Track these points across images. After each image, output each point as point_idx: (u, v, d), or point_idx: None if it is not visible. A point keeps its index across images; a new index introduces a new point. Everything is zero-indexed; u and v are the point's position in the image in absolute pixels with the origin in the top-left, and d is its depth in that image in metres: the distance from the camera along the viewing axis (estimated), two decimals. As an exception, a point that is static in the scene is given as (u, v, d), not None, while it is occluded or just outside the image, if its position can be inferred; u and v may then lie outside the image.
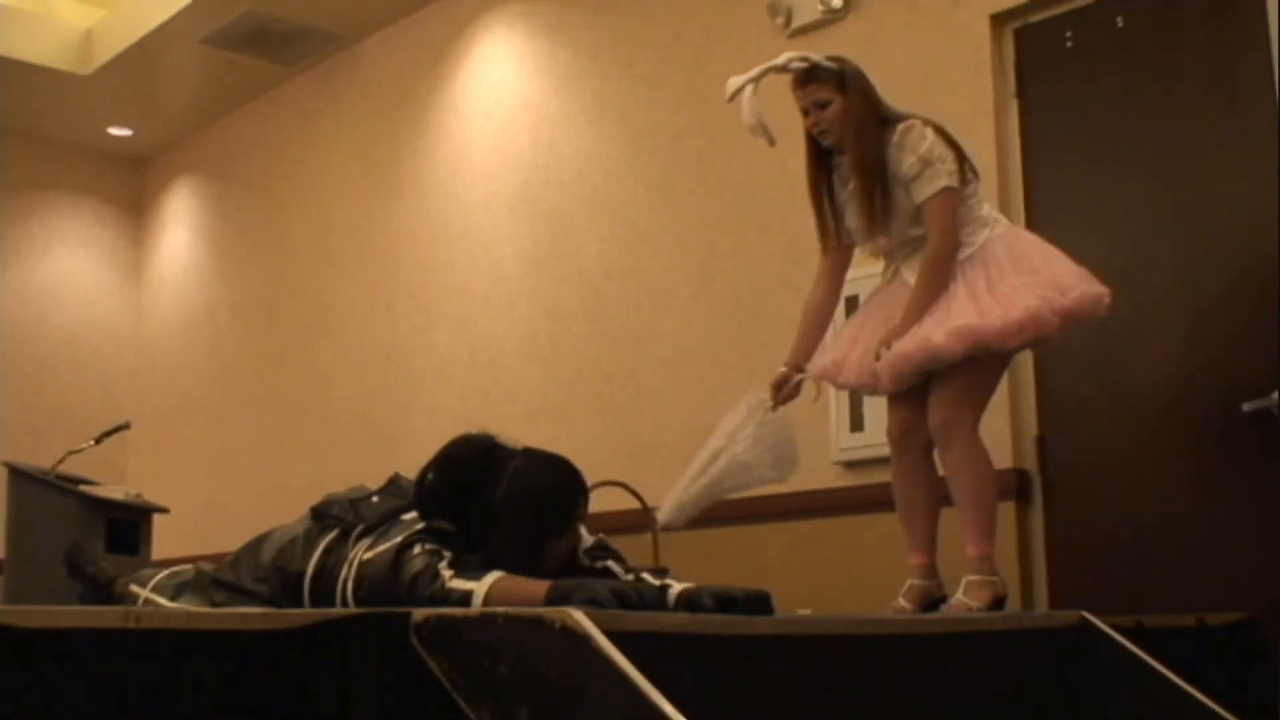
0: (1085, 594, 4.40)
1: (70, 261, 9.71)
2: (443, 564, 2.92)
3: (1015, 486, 4.70)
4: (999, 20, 5.05)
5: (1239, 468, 4.32)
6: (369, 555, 3.15)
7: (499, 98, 7.14)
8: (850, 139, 3.95)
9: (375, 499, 3.40)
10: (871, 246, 4.06)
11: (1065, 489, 4.72)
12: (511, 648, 2.07)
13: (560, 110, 6.77)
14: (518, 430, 6.54)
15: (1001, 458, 4.74)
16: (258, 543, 3.48)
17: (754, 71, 3.98)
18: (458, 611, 2.19)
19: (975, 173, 3.98)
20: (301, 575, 3.27)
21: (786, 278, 5.48)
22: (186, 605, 3.33)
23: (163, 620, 2.03)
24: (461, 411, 7.01)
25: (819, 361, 4.07)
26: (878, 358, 3.80)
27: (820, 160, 4.09)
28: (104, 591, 3.67)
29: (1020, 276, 3.76)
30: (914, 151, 3.85)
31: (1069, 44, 4.89)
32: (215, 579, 3.40)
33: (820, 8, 5.48)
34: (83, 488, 5.01)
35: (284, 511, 8.12)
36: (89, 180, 9.86)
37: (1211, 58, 4.54)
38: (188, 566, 3.50)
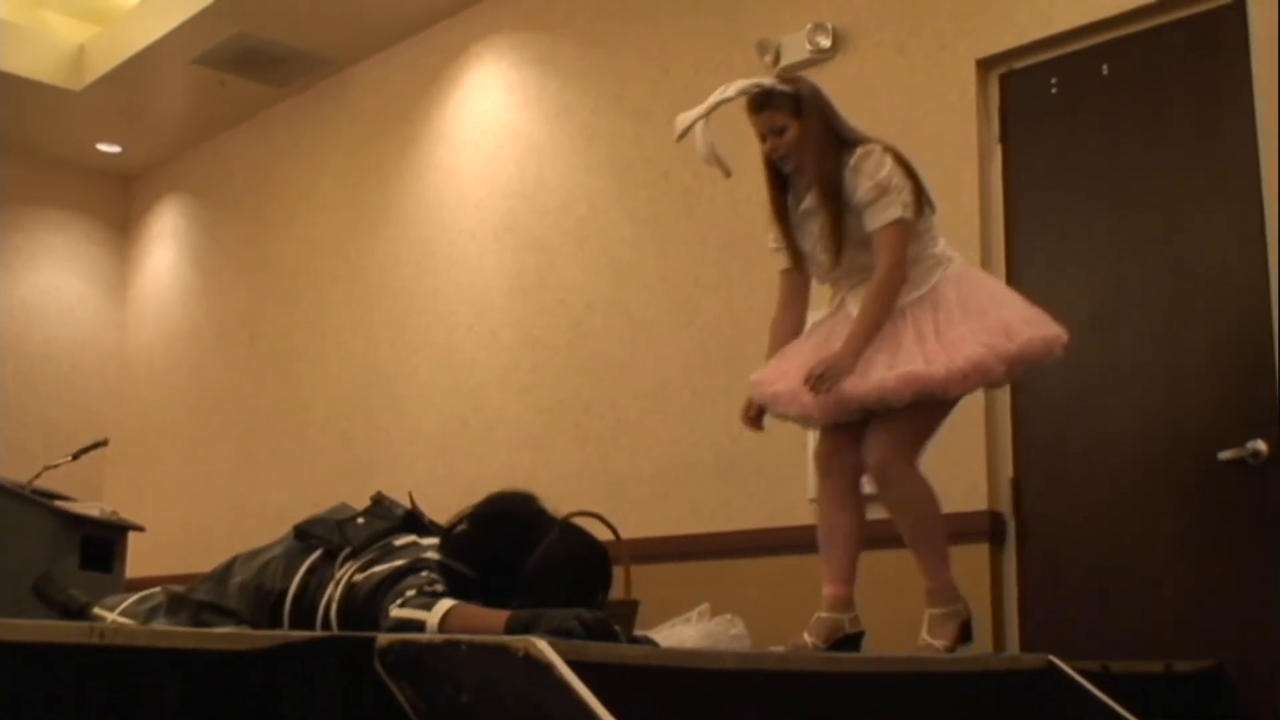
0: (1056, 637, 4.41)
1: (55, 277, 9.70)
2: (409, 585, 2.88)
3: (989, 528, 4.71)
4: (985, 65, 5.08)
5: (1213, 516, 4.34)
6: (360, 577, 3.12)
7: (487, 127, 7.16)
8: (809, 162, 3.87)
9: (361, 520, 3.36)
10: (821, 272, 3.99)
11: (1039, 532, 4.73)
12: (474, 675, 2.07)
13: (548, 141, 6.79)
14: (497, 458, 6.60)
15: (976, 499, 4.76)
16: (238, 561, 3.45)
17: (703, 107, 3.91)
18: (422, 637, 2.19)
19: (932, 205, 3.92)
20: (283, 594, 3.22)
21: (769, 314, 5.48)
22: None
23: (126, 637, 2.03)
24: (441, 438, 7.02)
25: (759, 389, 3.98)
26: (808, 380, 3.71)
27: (780, 183, 4.03)
28: (76, 620, 3.61)
29: (968, 322, 3.70)
30: (870, 177, 3.79)
31: (1054, 90, 4.92)
32: (193, 598, 3.35)
33: (808, 47, 5.52)
34: (58, 503, 4.98)
35: (261, 532, 8.10)
36: (76, 196, 9.87)
37: (1195, 106, 4.58)
38: (155, 590, 3.45)
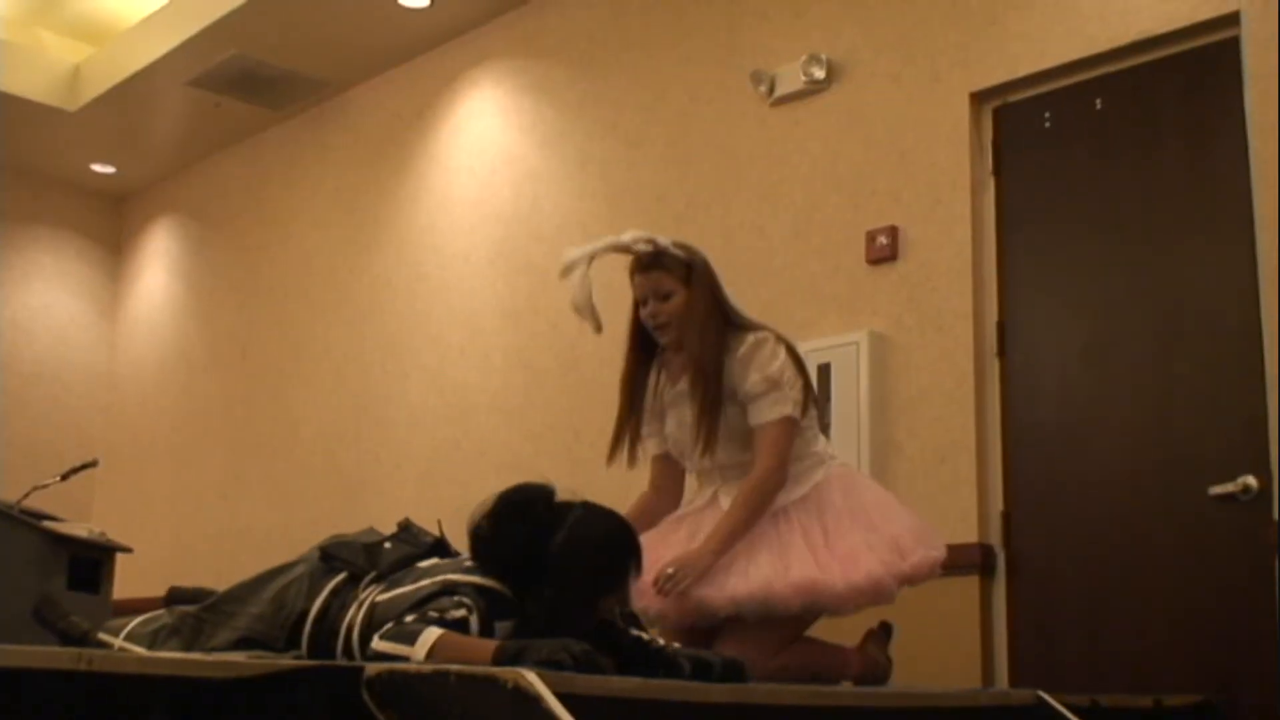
0: (1046, 669, 4.41)
1: (47, 295, 9.70)
2: (411, 615, 2.84)
3: (979, 561, 4.70)
4: (978, 98, 5.10)
5: (1203, 551, 4.33)
6: (384, 599, 3.07)
7: (482, 151, 7.18)
8: (692, 339, 3.59)
9: (388, 545, 3.30)
10: (690, 462, 3.73)
11: (1029, 565, 4.72)
12: (462, 706, 2.06)
13: (542, 166, 6.81)
14: (487, 482, 6.54)
15: (966, 531, 4.76)
16: (257, 579, 3.37)
17: (592, 246, 3.65)
18: (410, 667, 2.17)
19: (817, 403, 3.71)
20: (304, 615, 3.15)
21: (760, 343, 5.50)
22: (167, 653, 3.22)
23: (114, 664, 2.02)
24: (431, 461, 7.01)
25: None
26: (657, 582, 3.39)
27: (643, 352, 3.76)
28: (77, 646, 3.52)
29: (859, 533, 3.49)
30: (761, 369, 3.54)
31: (1047, 124, 4.94)
32: (204, 618, 3.27)
33: (803, 78, 5.53)
34: (46, 523, 4.96)
35: (248, 554, 8.08)
36: (70, 215, 9.87)
37: (1188, 141, 4.59)
38: (161, 612, 3.39)
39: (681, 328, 3.63)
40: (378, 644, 2.72)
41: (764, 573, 3.41)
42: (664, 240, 3.67)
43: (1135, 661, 4.39)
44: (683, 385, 3.66)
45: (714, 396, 3.55)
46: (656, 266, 3.64)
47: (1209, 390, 4.41)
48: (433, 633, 2.71)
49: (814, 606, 3.43)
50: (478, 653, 2.63)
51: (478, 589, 2.95)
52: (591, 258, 3.62)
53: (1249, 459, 4.24)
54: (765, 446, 3.53)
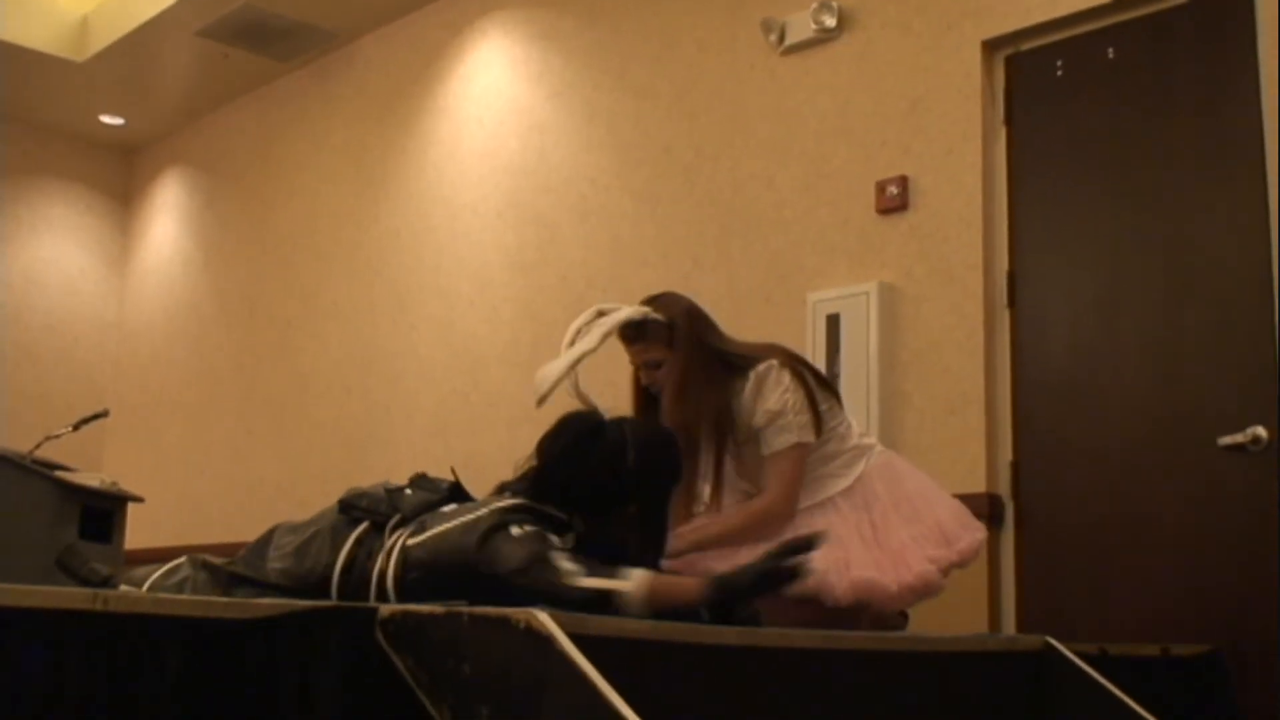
0: (1053, 619, 4.42)
1: (56, 248, 9.71)
2: (555, 553, 2.85)
3: (988, 511, 4.71)
4: (990, 47, 5.07)
5: (1212, 501, 4.34)
6: (414, 542, 3.06)
7: (490, 102, 7.16)
8: (687, 402, 3.58)
9: (409, 491, 3.31)
10: (701, 507, 3.69)
11: (1037, 515, 4.73)
12: (476, 647, 2.08)
13: (550, 118, 6.79)
14: (496, 434, 6.60)
15: (975, 481, 4.76)
16: (276, 533, 3.34)
17: (564, 362, 3.52)
18: (424, 608, 2.19)
19: (838, 397, 3.70)
20: (330, 569, 3.11)
21: (768, 293, 5.50)
22: None
23: (130, 604, 2.03)
24: (440, 413, 7.02)
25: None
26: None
27: (650, 405, 3.71)
28: None
29: (907, 527, 3.51)
30: (763, 404, 3.54)
31: (1059, 73, 4.92)
32: (231, 573, 3.26)
33: (813, 27, 5.50)
34: (58, 473, 4.98)
35: (257, 506, 8.11)
36: (79, 167, 9.87)
37: (1200, 91, 4.57)
38: (182, 560, 3.38)
39: (676, 391, 3.62)
40: (584, 581, 2.75)
41: (816, 562, 3.36)
42: (638, 312, 3.63)
43: (1143, 611, 4.40)
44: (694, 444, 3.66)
45: (728, 441, 3.61)
46: (639, 338, 3.63)
47: (1219, 340, 4.41)
48: (638, 571, 2.80)
49: (865, 604, 3.43)
50: (685, 590, 2.82)
51: (534, 513, 3.02)
52: (567, 374, 3.55)
53: (1259, 410, 4.24)
54: (774, 476, 3.57)
